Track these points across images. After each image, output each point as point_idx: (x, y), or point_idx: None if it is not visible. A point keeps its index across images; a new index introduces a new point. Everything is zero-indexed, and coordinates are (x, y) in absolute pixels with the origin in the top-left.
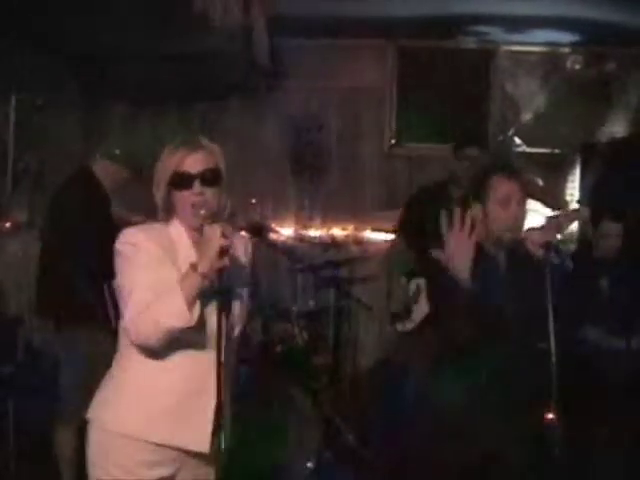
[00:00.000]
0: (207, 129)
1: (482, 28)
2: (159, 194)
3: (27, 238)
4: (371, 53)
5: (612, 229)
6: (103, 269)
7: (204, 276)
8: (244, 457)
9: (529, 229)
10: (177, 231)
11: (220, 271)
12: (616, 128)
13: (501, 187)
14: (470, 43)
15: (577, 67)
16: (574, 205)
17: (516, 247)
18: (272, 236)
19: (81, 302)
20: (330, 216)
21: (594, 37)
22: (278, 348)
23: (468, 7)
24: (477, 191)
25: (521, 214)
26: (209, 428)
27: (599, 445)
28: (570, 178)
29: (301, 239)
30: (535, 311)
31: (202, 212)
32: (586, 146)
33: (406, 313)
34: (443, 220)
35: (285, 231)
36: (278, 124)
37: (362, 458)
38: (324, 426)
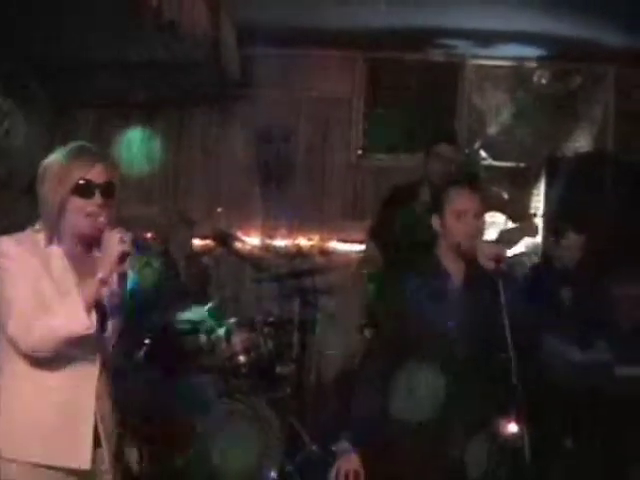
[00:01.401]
0: (174, 137)
1: (450, 41)
2: (53, 200)
3: None
4: (340, 64)
5: (574, 241)
6: None
7: (103, 282)
8: (209, 467)
9: (481, 242)
10: (52, 243)
11: (120, 277)
12: (581, 142)
13: (458, 200)
14: (438, 56)
15: (543, 81)
16: (539, 218)
17: (473, 260)
18: (237, 245)
19: None
20: (296, 226)
21: (560, 52)
22: (242, 358)
23: (437, 20)
24: (436, 203)
25: (477, 227)
26: (88, 444)
27: (562, 455)
28: (535, 191)
29: (267, 249)
30: (493, 323)
31: (101, 219)
32: (551, 160)
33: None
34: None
35: (251, 240)
36: (246, 133)
37: (326, 467)
38: (288, 436)
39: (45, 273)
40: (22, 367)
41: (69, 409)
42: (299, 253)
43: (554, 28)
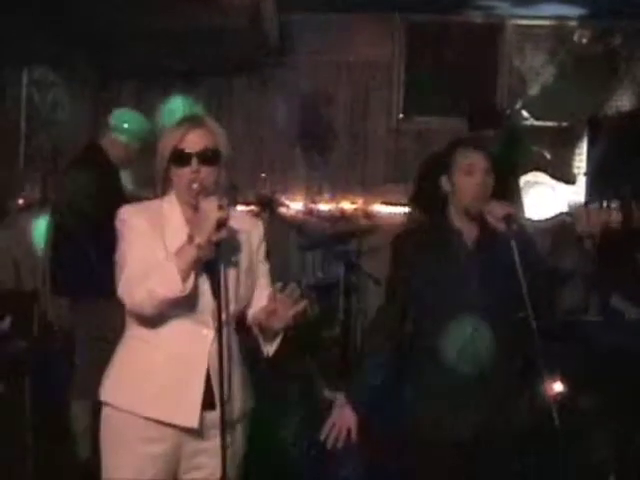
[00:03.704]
0: (215, 105)
1: (490, 2)
2: (159, 168)
3: (41, 214)
4: (379, 28)
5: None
6: (115, 244)
7: (200, 247)
8: (259, 431)
9: (490, 203)
10: (170, 207)
11: (217, 243)
12: (623, 101)
13: (465, 156)
14: (478, 17)
15: (584, 41)
16: (582, 177)
17: (484, 221)
18: (282, 210)
19: (94, 278)
20: (339, 190)
21: (601, 11)
22: None
23: None
24: (445, 163)
25: (486, 183)
26: (198, 404)
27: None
28: (577, 151)
29: (310, 213)
30: (509, 283)
31: (194, 186)
32: (593, 119)
33: None
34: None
35: (294, 205)
36: (287, 99)
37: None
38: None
39: (160, 237)
40: (137, 326)
41: (180, 369)
42: (343, 217)
43: None
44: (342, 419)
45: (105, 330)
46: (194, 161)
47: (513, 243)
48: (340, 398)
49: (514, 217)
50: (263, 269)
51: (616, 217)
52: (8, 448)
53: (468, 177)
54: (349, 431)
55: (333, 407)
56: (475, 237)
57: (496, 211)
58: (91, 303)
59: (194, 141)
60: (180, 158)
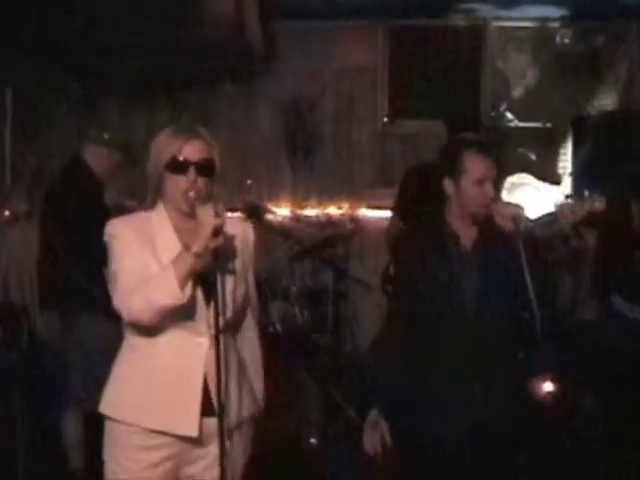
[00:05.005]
0: (200, 114)
1: (472, 5)
2: (153, 175)
3: (27, 227)
4: (362, 34)
5: None
6: (100, 256)
7: (198, 255)
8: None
9: (497, 203)
10: (159, 217)
11: (215, 251)
12: (606, 101)
13: (477, 166)
14: (460, 20)
15: (566, 41)
16: (567, 177)
17: (485, 223)
18: (269, 217)
19: (81, 290)
20: (325, 195)
21: (583, 11)
22: (278, 327)
23: None
24: (449, 166)
25: (492, 192)
26: (197, 413)
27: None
28: (562, 152)
29: (297, 219)
30: (511, 284)
31: (191, 194)
32: (578, 119)
33: None
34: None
35: (281, 211)
36: (271, 107)
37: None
38: (326, 403)
39: (150, 248)
40: (134, 337)
41: (178, 378)
42: (329, 222)
43: None
44: (375, 434)
45: (95, 341)
46: (191, 171)
47: (520, 243)
48: (372, 413)
49: (522, 217)
50: (251, 273)
51: (599, 205)
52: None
53: (478, 187)
54: (384, 444)
55: (366, 423)
56: (474, 239)
57: (504, 211)
58: (79, 316)
59: (193, 151)
60: (178, 167)
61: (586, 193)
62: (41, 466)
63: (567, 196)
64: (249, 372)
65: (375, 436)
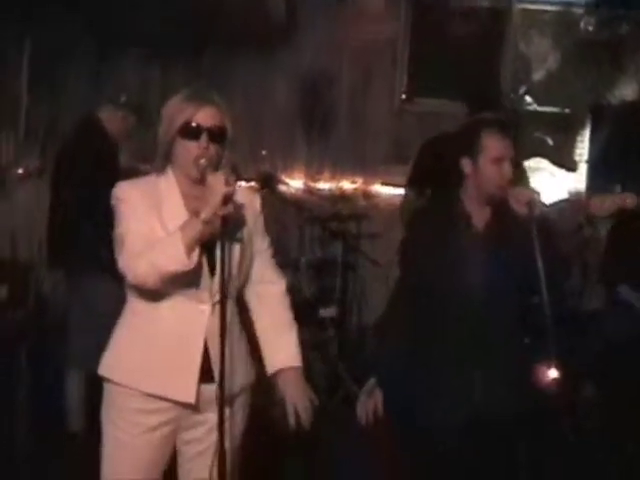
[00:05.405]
0: (218, 80)
1: None
2: (164, 140)
3: (39, 185)
4: (385, 8)
5: None
6: (110, 218)
7: (206, 222)
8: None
9: (513, 187)
10: (167, 183)
11: (224, 219)
12: (627, 89)
13: (495, 145)
14: (485, 1)
15: (590, 28)
16: (583, 166)
17: (500, 204)
18: (281, 188)
19: (89, 249)
20: (339, 169)
21: None
22: None
23: None
24: (467, 145)
25: (510, 173)
26: (195, 379)
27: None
28: (579, 138)
29: (310, 192)
30: (522, 267)
31: (202, 161)
32: (597, 106)
33: None
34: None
35: (294, 183)
36: (289, 77)
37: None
38: (330, 376)
39: (157, 214)
40: (136, 301)
41: (178, 344)
42: (342, 196)
43: None
44: (371, 402)
45: (99, 302)
46: (204, 137)
47: (534, 228)
48: (370, 382)
49: (537, 202)
50: (263, 241)
51: (631, 201)
52: (1, 417)
53: (496, 166)
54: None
55: (362, 392)
56: (486, 221)
57: (520, 196)
58: (86, 275)
59: (206, 117)
60: (191, 132)
61: (618, 188)
62: (45, 425)
63: (587, 191)
64: (269, 332)
65: (369, 404)
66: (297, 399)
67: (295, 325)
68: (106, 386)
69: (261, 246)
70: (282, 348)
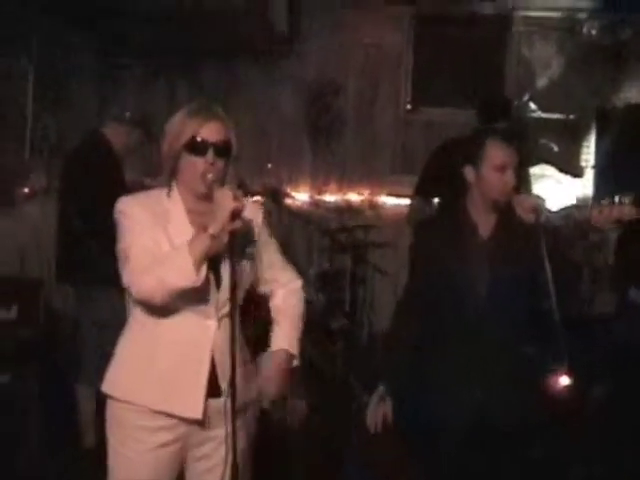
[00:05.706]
0: (221, 93)
1: None
2: (169, 155)
3: (45, 202)
4: (389, 18)
5: None
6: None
7: (214, 238)
8: None
9: (518, 195)
10: (172, 199)
11: (231, 234)
12: (631, 94)
13: (498, 153)
14: (487, 8)
15: (593, 33)
16: (589, 172)
17: (505, 212)
18: (288, 201)
19: (97, 265)
20: (346, 181)
21: (610, 3)
22: None
23: None
24: (472, 154)
25: (514, 181)
26: (202, 395)
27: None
28: (585, 144)
29: (317, 204)
30: (529, 274)
31: (209, 176)
32: (601, 112)
33: None
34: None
35: (300, 196)
36: (294, 88)
37: None
38: (340, 388)
39: (162, 228)
40: (141, 317)
41: (184, 360)
42: (349, 208)
43: None
44: (379, 410)
45: (109, 317)
46: (210, 152)
47: (541, 234)
48: (380, 389)
49: (542, 209)
50: (269, 249)
51: (629, 212)
52: (14, 435)
53: (499, 174)
54: (386, 418)
55: (371, 398)
56: (492, 229)
57: (525, 203)
58: (95, 291)
59: (211, 132)
60: (197, 148)
61: (617, 198)
62: (57, 441)
63: (594, 197)
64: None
65: (379, 412)
66: (268, 381)
67: (302, 320)
68: (110, 403)
69: (270, 255)
70: (281, 336)
